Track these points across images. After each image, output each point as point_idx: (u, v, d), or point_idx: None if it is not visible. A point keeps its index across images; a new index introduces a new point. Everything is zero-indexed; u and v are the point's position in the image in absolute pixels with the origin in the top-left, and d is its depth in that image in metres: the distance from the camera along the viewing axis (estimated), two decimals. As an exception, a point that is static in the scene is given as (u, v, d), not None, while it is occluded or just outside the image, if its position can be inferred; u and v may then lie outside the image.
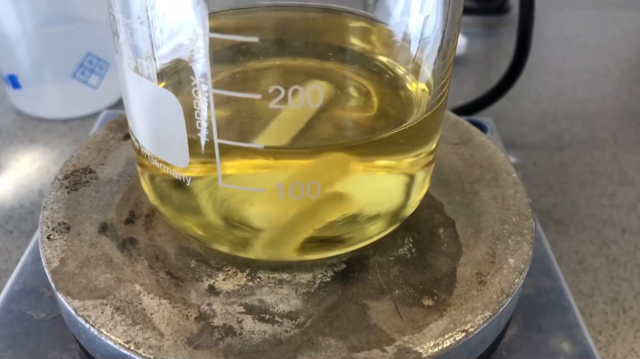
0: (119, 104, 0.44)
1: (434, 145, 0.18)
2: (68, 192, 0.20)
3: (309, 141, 0.15)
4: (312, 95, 0.13)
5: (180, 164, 0.16)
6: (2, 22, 0.38)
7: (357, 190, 0.16)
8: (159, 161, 0.16)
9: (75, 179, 0.21)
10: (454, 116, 0.25)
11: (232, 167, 0.15)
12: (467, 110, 0.38)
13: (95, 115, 0.42)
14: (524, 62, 0.36)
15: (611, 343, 0.28)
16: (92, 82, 0.41)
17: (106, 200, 0.20)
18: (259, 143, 0.14)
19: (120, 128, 0.24)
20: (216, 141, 0.15)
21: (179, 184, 0.16)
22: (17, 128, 0.42)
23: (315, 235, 0.17)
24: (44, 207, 0.20)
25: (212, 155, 0.15)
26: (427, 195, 0.21)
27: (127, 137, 0.23)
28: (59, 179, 0.21)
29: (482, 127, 0.29)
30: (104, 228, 0.19)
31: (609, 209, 0.36)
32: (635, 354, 0.27)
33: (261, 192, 0.15)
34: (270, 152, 0.15)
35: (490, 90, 0.38)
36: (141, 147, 0.17)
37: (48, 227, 0.19)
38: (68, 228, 0.19)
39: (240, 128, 0.15)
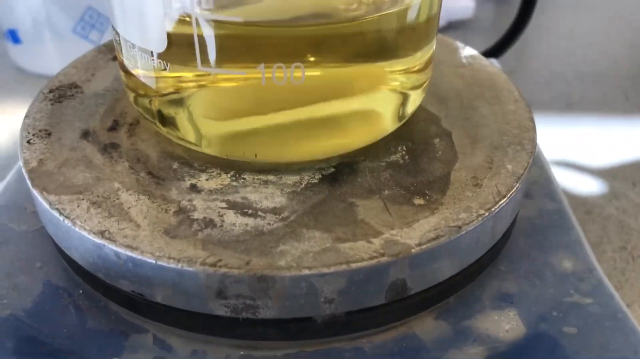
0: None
1: (430, 48, 0.17)
2: (52, 104, 0.20)
3: (293, 16, 0.14)
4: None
5: (158, 48, 0.15)
6: (2, -26, 0.38)
7: (345, 79, 0.15)
8: (137, 48, 0.16)
9: (60, 93, 0.20)
10: (457, 43, 0.24)
11: (211, 47, 0.14)
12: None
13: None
14: (533, 7, 0.34)
15: (619, 289, 0.27)
16: (92, 37, 0.41)
17: (90, 110, 0.19)
18: (237, 16, 0.14)
19: (109, 51, 0.23)
20: (194, 16, 0.14)
21: (157, 72, 0.15)
22: (16, 83, 0.42)
23: (301, 131, 0.16)
24: (26, 116, 0.19)
25: (190, 33, 0.14)
26: (423, 109, 0.20)
27: (116, 58, 0.22)
28: (43, 92, 0.20)
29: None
30: (85, 134, 0.18)
31: (619, 161, 0.35)
32: (644, 300, 0.26)
33: (241, 77, 0.15)
34: (250, 27, 0.14)
35: (497, 41, 0.36)
36: (120, 37, 0.16)
37: (29, 133, 0.18)
38: (49, 134, 0.18)
39: (219, 2, 0.14)
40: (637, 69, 0.45)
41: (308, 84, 0.15)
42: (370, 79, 0.16)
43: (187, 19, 0.14)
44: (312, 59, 0.15)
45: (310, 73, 0.15)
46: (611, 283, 0.27)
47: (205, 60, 0.15)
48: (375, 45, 0.16)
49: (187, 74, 0.15)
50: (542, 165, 0.22)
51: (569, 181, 0.34)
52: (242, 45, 0.14)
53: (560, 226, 0.20)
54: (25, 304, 0.17)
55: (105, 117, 0.19)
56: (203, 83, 0.15)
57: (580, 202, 0.33)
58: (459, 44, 0.24)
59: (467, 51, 0.23)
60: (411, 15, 0.16)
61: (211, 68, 0.15)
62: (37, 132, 0.18)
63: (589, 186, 0.33)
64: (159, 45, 0.15)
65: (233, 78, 0.15)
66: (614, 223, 0.31)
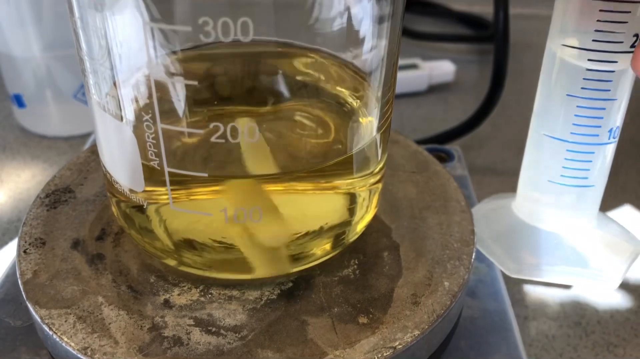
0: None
1: (378, 170, 0.20)
2: (47, 210, 0.22)
3: (247, 170, 0.17)
4: (248, 130, 0.15)
5: (138, 189, 0.17)
6: (11, 46, 0.41)
7: (298, 214, 0.18)
8: (121, 185, 0.18)
9: (55, 198, 0.23)
10: (414, 146, 0.26)
11: (181, 192, 0.17)
12: (446, 136, 0.40)
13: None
14: (500, 91, 0.37)
15: (570, 364, 0.29)
16: (92, 102, 0.44)
17: (81, 218, 0.22)
18: (203, 172, 0.16)
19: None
20: (166, 169, 0.16)
21: (138, 206, 0.18)
22: (20, 144, 0.44)
23: (262, 256, 0.18)
24: (24, 223, 0.22)
25: (164, 181, 0.17)
26: (377, 220, 0.22)
27: (107, 159, 0.25)
28: (40, 197, 0.23)
29: (449, 155, 0.30)
30: (76, 244, 0.21)
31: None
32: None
33: (208, 216, 0.17)
34: (214, 179, 0.16)
35: (468, 119, 0.39)
36: (107, 172, 0.19)
37: (25, 242, 0.21)
38: (44, 243, 0.21)
39: (187, 158, 0.16)
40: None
41: (267, 220, 0.17)
42: (323, 208, 0.19)
43: (160, 170, 0.16)
44: (268, 203, 0.17)
45: (269, 211, 0.17)
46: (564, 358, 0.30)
47: (176, 201, 0.17)
48: (329, 180, 0.18)
49: (162, 210, 0.18)
50: (490, 262, 0.24)
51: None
52: (207, 193, 0.17)
53: (500, 327, 0.22)
54: (17, 401, 0.19)
55: (93, 226, 0.22)
56: (175, 215, 0.18)
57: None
58: (418, 148, 0.26)
59: (424, 155, 0.26)
60: (361, 156, 0.18)
61: (182, 209, 0.17)
62: (33, 240, 0.21)
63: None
64: (138, 186, 0.17)
65: (201, 217, 0.17)
66: (572, 297, 0.33)
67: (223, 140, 0.15)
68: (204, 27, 0.13)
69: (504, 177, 0.42)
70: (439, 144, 0.33)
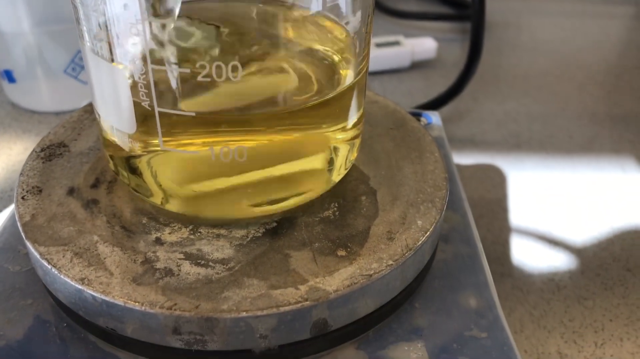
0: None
1: (357, 117, 0.21)
2: (43, 162, 0.23)
3: (235, 107, 0.18)
4: (231, 69, 0.16)
5: (130, 130, 0.19)
6: (1, 21, 0.42)
7: (281, 154, 0.19)
8: (114, 128, 0.19)
9: (50, 151, 0.24)
10: (393, 105, 0.28)
11: (171, 132, 0.18)
12: (427, 107, 0.41)
13: (84, 109, 0.45)
14: (477, 61, 0.38)
15: (543, 316, 0.31)
16: (82, 77, 0.45)
17: (76, 168, 0.23)
18: (190, 111, 0.17)
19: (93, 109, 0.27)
20: (156, 109, 0.17)
21: (130, 148, 0.19)
22: (11, 119, 0.45)
23: (246, 196, 0.20)
24: (21, 174, 0.23)
25: (154, 121, 0.18)
26: (356, 169, 0.23)
27: (99, 117, 0.26)
28: (36, 151, 0.24)
29: (427, 118, 0.32)
30: (71, 191, 0.22)
31: (560, 199, 0.39)
32: (564, 327, 0.30)
33: (195, 155, 0.18)
34: (201, 118, 0.17)
35: (447, 90, 0.41)
36: (100, 117, 0.20)
37: (23, 189, 0.22)
38: (40, 191, 0.22)
39: (176, 98, 0.17)
40: (583, 110, 0.49)
41: (251, 159, 0.19)
42: (307, 146, 0.20)
43: (151, 110, 0.18)
44: (253, 140, 0.18)
45: (252, 150, 0.18)
46: (537, 311, 0.31)
47: (166, 141, 0.18)
48: (312, 120, 0.19)
49: (153, 149, 0.19)
50: (464, 212, 0.26)
51: (513, 215, 0.37)
52: (195, 132, 0.18)
53: (471, 268, 0.23)
54: (17, 336, 0.20)
55: (88, 175, 0.23)
56: (166, 156, 0.19)
57: (523, 232, 0.36)
58: (396, 106, 0.28)
59: (402, 113, 0.27)
60: (343, 96, 0.20)
61: (171, 149, 0.18)
62: (30, 188, 0.22)
63: (532, 219, 0.37)
64: (130, 127, 0.19)
65: (189, 154, 0.19)
66: (546, 255, 0.35)
67: (209, 79, 0.17)
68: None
69: (482, 147, 0.44)
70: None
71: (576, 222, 0.36)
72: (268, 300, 0.18)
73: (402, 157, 0.24)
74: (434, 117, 0.32)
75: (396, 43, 0.52)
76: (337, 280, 0.18)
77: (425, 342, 0.20)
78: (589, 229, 0.36)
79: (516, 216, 0.37)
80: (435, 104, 0.41)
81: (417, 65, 0.53)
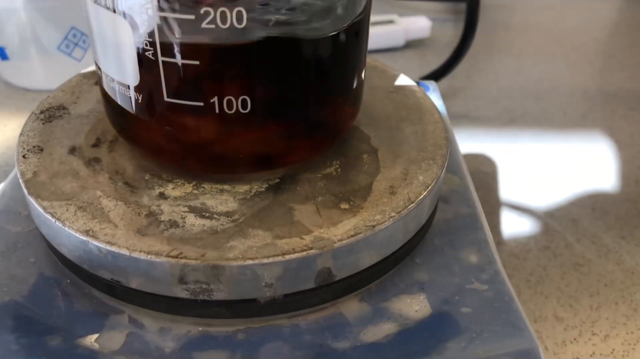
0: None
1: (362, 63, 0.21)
2: (43, 123, 0.23)
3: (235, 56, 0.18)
4: (235, 15, 0.16)
5: (133, 82, 0.19)
6: (-7, -3, 0.41)
7: (288, 103, 0.19)
8: (116, 82, 0.19)
9: (50, 114, 0.24)
10: (392, 71, 0.28)
11: (174, 83, 0.18)
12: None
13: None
14: (472, 36, 0.39)
15: (540, 282, 0.31)
16: (75, 54, 0.44)
17: (76, 129, 0.23)
18: (194, 60, 0.17)
19: (92, 76, 0.27)
20: (160, 59, 0.18)
21: (133, 101, 0.19)
22: (4, 97, 0.45)
23: (251, 150, 0.20)
24: (21, 134, 0.23)
25: (158, 72, 0.18)
26: (357, 130, 0.24)
27: (97, 83, 0.26)
28: (35, 113, 0.24)
29: (424, 87, 0.32)
30: (72, 150, 0.22)
31: (555, 169, 0.39)
32: (560, 292, 0.30)
33: (199, 105, 0.18)
34: (204, 67, 0.18)
35: (441, 65, 0.41)
36: (102, 72, 0.20)
37: (24, 149, 0.22)
38: (41, 150, 0.22)
39: (180, 47, 0.17)
40: (575, 86, 0.49)
41: (254, 114, 0.19)
42: (310, 100, 0.20)
43: (155, 60, 0.18)
44: (258, 89, 0.18)
45: (257, 102, 0.19)
46: (533, 278, 0.32)
47: (169, 93, 0.18)
48: (319, 64, 0.19)
49: (156, 102, 0.19)
50: (463, 175, 0.26)
51: (509, 187, 0.38)
52: (199, 83, 0.18)
53: (471, 227, 0.23)
54: (22, 292, 0.20)
55: (89, 135, 0.23)
56: (170, 110, 0.19)
57: (518, 203, 0.37)
58: (395, 72, 0.28)
59: (401, 78, 0.27)
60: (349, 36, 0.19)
61: (175, 100, 0.18)
62: (31, 147, 0.22)
63: (527, 191, 0.37)
64: (134, 79, 0.19)
65: (193, 106, 0.19)
66: (542, 225, 0.35)
67: (213, 26, 0.17)
68: None
69: (476, 123, 0.44)
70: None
71: (571, 194, 0.37)
72: (274, 249, 0.18)
73: (402, 118, 0.24)
74: (432, 86, 0.32)
75: (390, 22, 0.52)
76: (341, 230, 0.19)
77: (427, 294, 0.20)
78: (583, 200, 0.36)
79: (511, 188, 0.37)
80: (429, 79, 0.41)
81: (411, 44, 0.54)
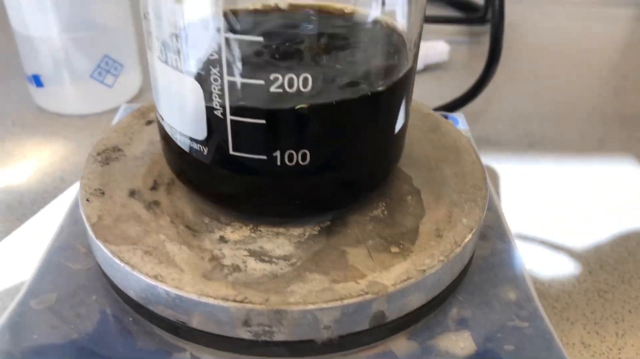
0: (132, 101, 0.48)
1: (405, 114, 0.22)
2: (101, 166, 0.24)
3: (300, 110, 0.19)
4: (302, 81, 0.18)
5: (200, 136, 0.20)
6: (30, 27, 0.43)
7: (341, 156, 0.20)
8: (180, 133, 0.20)
9: (106, 155, 0.25)
10: (427, 109, 0.29)
11: (241, 138, 0.19)
12: (445, 109, 0.43)
13: (109, 111, 0.46)
14: (495, 66, 0.40)
15: (565, 309, 0.32)
16: (107, 81, 0.46)
17: (133, 172, 0.24)
18: (261, 119, 0.19)
19: (142, 116, 0.28)
20: (228, 118, 0.19)
21: (197, 153, 0.20)
22: (38, 123, 0.46)
23: (306, 197, 0.21)
24: (82, 177, 0.24)
25: (225, 128, 0.19)
26: (399, 170, 0.25)
27: (149, 123, 0.27)
28: (92, 156, 0.25)
29: (454, 121, 0.33)
30: (132, 193, 0.23)
31: (575, 197, 0.40)
32: (586, 318, 0.32)
33: (262, 159, 0.20)
34: (270, 125, 0.19)
35: (465, 92, 0.42)
36: (166, 124, 0.21)
37: (86, 192, 0.23)
38: (103, 193, 0.23)
39: (248, 107, 0.19)
40: (592, 109, 0.50)
41: (312, 165, 0.20)
42: (362, 149, 0.21)
43: (223, 118, 0.19)
44: (317, 144, 0.20)
45: (316, 155, 0.20)
46: (559, 304, 0.33)
47: (235, 146, 0.19)
48: (367, 116, 0.20)
49: (221, 155, 0.20)
50: (496, 211, 0.27)
51: (531, 212, 0.39)
52: (263, 138, 0.19)
53: (508, 263, 0.25)
54: (87, 330, 0.21)
55: (146, 178, 0.24)
56: (233, 160, 0.20)
57: (541, 229, 0.38)
58: (429, 110, 0.29)
59: (435, 116, 0.28)
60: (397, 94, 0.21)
61: (240, 154, 0.20)
62: (93, 191, 0.23)
63: (548, 216, 0.39)
64: (201, 134, 0.20)
65: (256, 158, 0.20)
66: (564, 250, 0.36)
67: (281, 90, 0.18)
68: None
69: (497, 147, 0.45)
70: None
71: (591, 218, 0.38)
72: (332, 293, 0.19)
73: (441, 159, 0.26)
74: (460, 120, 0.33)
75: (410, 46, 0.53)
76: (393, 274, 0.20)
77: (471, 332, 0.22)
78: (605, 225, 0.37)
79: (534, 213, 0.38)
80: (453, 106, 0.42)
81: (430, 68, 0.55)
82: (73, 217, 0.26)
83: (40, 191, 0.39)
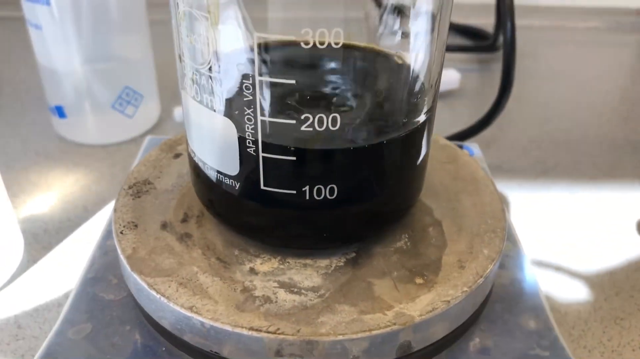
0: (151, 131, 0.49)
1: (427, 151, 0.23)
2: (133, 199, 0.25)
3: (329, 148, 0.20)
4: (331, 120, 0.19)
5: (232, 172, 0.21)
6: (53, 59, 0.44)
7: (367, 190, 0.21)
8: (211, 168, 0.21)
9: (137, 189, 0.26)
10: (443, 140, 0.30)
11: (272, 175, 0.20)
12: (459, 137, 0.43)
13: (130, 141, 0.48)
14: (508, 95, 0.41)
15: (582, 336, 0.33)
16: (128, 112, 0.47)
17: (164, 204, 0.25)
18: (292, 156, 0.20)
19: (169, 149, 0.29)
20: (260, 155, 0.20)
21: (229, 187, 0.21)
22: (61, 153, 0.47)
23: (333, 230, 0.22)
24: (115, 210, 0.25)
25: (257, 165, 0.20)
26: (420, 202, 0.26)
27: (177, 156, 0.28)
28: (124, 189, 0.26)
29: (469, 151, 0.34)
30: (164, 226, 0.24)
31: (589, 224, 0.41)
32: (603, 346, 0.32)
33: (292, 193, 0.20)
34: (300, 161, 0.20)
35: (478, 121, 0.43)
36: (198, 159, 0.22)
37: (120, 225, 0.24)
38: (136, 226, 0.24)
39: (279, 145, 0.20)
40: (603, 136, 0.51)
41: (339, 198, 0.21)
42: (387, 184, 0.22)
43: (256, 155, 0.20)
44: (345, 179, 0.20)
45: (343, 189, 0.21)
46: (575, 331, 0.33)
47: (266, 182, 0.20)
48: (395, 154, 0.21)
49: (253, 190, 0.21)
50: (515, 240, 0.28)
51: (545, 239, 0.39)
52: (294, 173, 0.20)
53: (527, 292, 0.25)
54: (122, 359, 0.22)
55: (177, 210, 0.25)
56: (264, 195, 0.21)
57: (555, 256, 0.38)
58: (445, 141, 0.30)
59: (452, 147, 0.29)
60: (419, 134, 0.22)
61: (270, 189, 0.20)
62: (127, 223, 0.24)
63: (564, 243, 0.39)
64: (233, 170, 0.21)
65: (285, 195, 0.21)
66: (579, 278, 0.37)
67: (311, 129, 0.19)
68: (305, 36, 0.17)
69: (510, 175, 0.46)
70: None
71: (606, 245, 0.38)
72: (360, 324, 0.20)
73: (460, 190, 0.26)
74: (475, 149, 0.34)
75: (422, 74, 0.54)
76: (419, 305, 0.20)
77: (494, 361, 0.22)
78: (619, 251, 0.38)
79: (547, 240, 0.39)
80: (465, 135, 0.43)
81: (441, 96, 0.56)
82: (103, 248, 0.27)
83: (64, 219, 0.40)
